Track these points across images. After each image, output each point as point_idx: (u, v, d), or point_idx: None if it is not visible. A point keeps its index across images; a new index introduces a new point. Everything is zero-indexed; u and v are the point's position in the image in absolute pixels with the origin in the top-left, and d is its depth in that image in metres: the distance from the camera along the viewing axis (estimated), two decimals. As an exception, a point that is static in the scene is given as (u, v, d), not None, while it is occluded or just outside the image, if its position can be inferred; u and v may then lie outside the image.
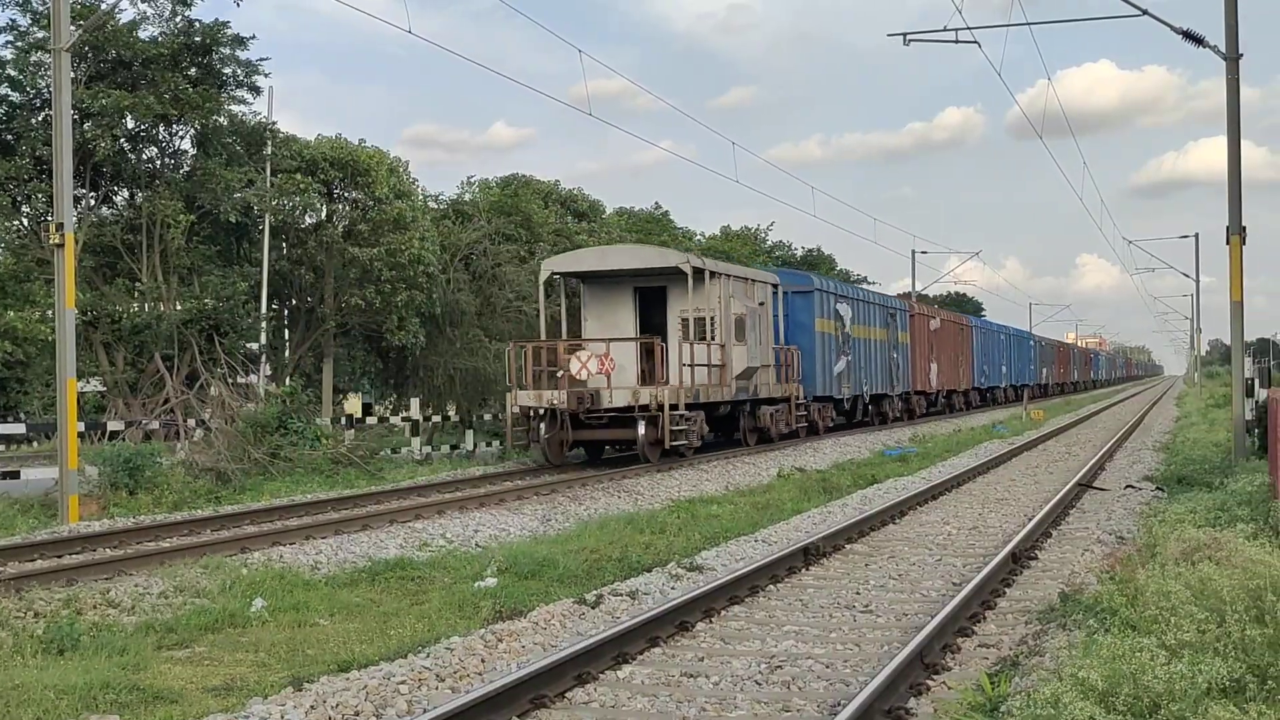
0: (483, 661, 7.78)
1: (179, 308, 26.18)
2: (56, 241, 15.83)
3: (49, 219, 18.10)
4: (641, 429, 20.66)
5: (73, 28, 17.23)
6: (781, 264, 57.73)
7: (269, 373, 28.59)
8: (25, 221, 26.03)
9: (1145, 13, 19.26)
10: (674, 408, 20.79)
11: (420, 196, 34.03)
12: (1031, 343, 68.56)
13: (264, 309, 28.05)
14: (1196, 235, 59.50)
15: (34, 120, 25.32)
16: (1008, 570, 10.66)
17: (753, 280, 25.28)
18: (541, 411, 20.82)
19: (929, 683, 7.16)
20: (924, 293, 60.44)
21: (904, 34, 21.84)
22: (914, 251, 58.80)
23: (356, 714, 6.69)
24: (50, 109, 19.79)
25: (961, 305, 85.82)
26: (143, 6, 27.38)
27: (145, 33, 26.33)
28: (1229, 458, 19.00)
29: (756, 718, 6.66)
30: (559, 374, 21.74)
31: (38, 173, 24.93)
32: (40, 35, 24.53)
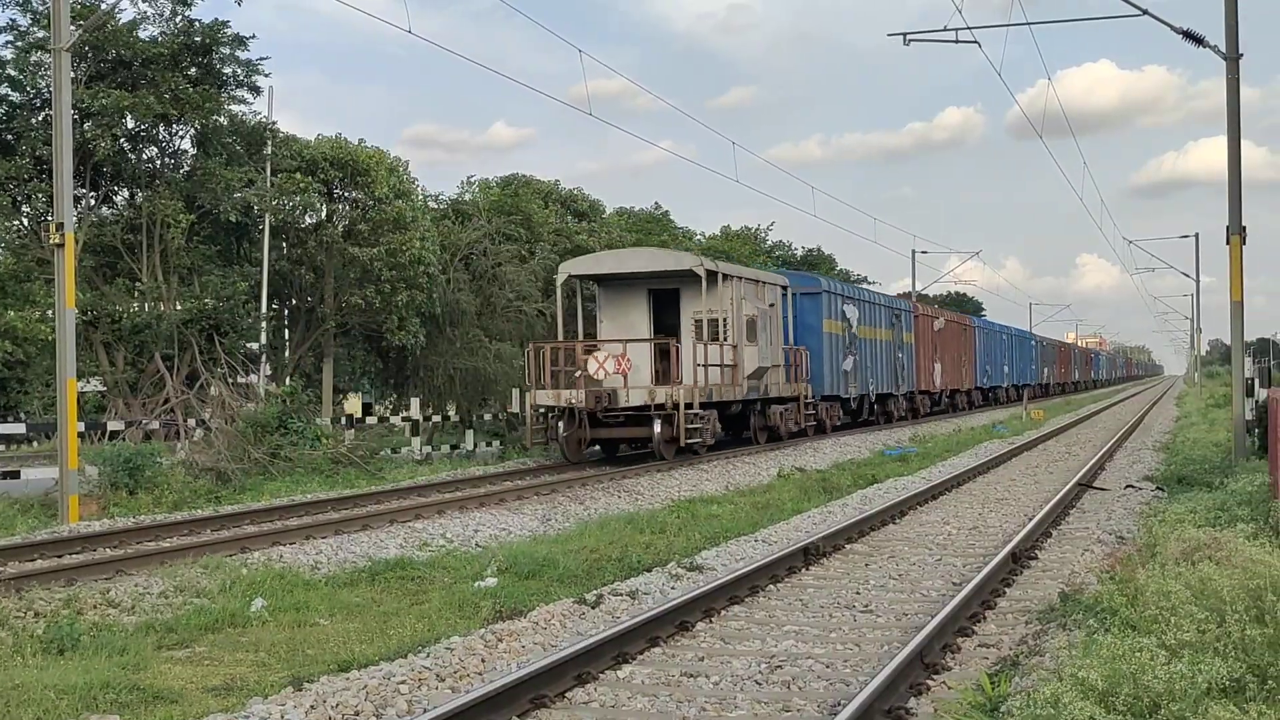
0: (483, 661, 7.78)
1: (179, 307, 26.18)
2: (56, 241, 15.83)
3: (49, 219, 18.12)
4: (657, 427, 21.15)
5: (73, 28, 17.23)
6: (781, 264, 57.80)
7: (269, 373, 28.58)
8: (25, 221, 26.03)
9: (1145, 13, 19.27)
10: (689, 406, 21.25)
11: (420, 196, 34.04)
12: (1033, 343, 68.77)
13: (264, 309, 28.05)
14: (1196, 235, 59.52)
15: (34, 120, 25.31)
16: (1008, 570, 10.66)
17: (763, 282, 25.89)
18: (560, 410, 21.28)
19: (929, 683, 7.16)
20: (924, 293, 60.48)
21: (904, 34, 21.85)
22: (914, 251, 58.76)
23: (356, 714, 6.69)
24: (50, 109, 19.79)
25: (961, 305, 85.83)
26: (143, 6, 27.36)
27: (145, 32, 26.35)
28: (1229, 458, 19.00)
29: (757, 718, 6.66)
30: (577, 374, 22.17)
31: (38, 172, 24.93)
32: (40, 35, 24.52)
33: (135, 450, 17.74)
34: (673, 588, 10.26)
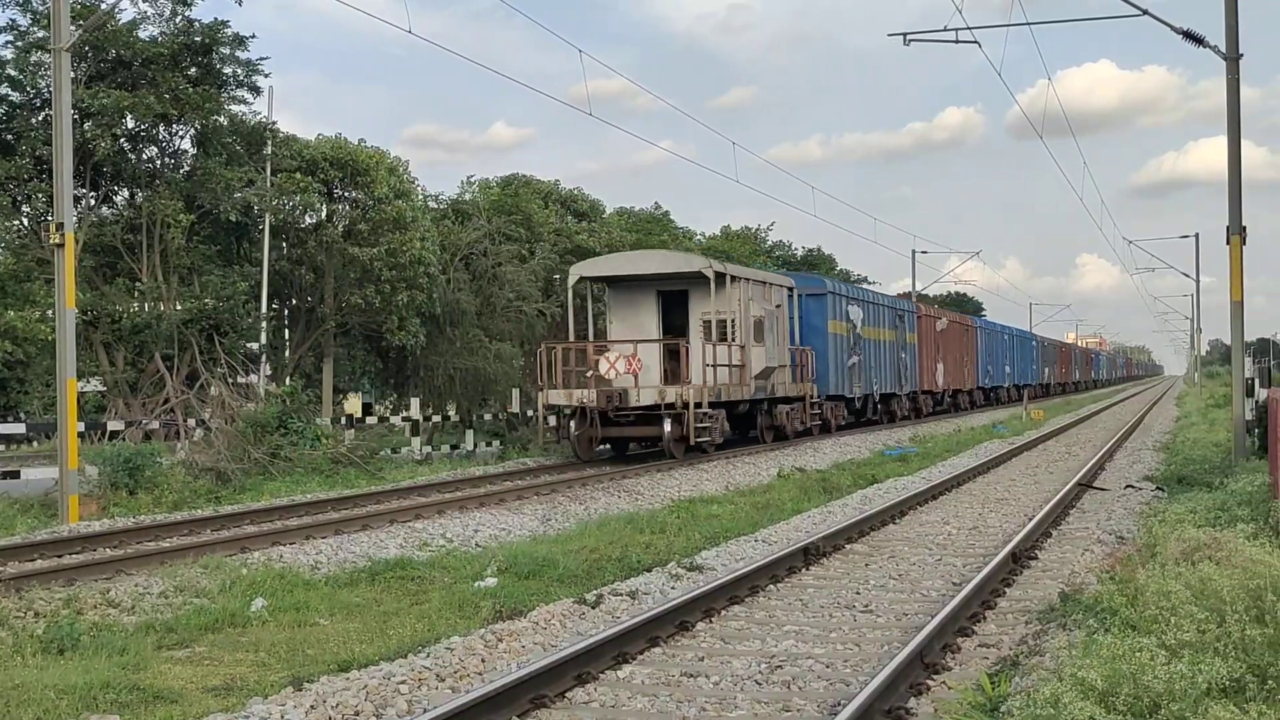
0: (483, 661, 7.78)
1: (179, 307, 26.16)
2: (56, 241, 15.83)
3: (49, 219, 18.11)
4: (667, 426, 21.49)
5: (73, 27, 17.22)
6: (781, 264, 57.84)
7: (269, 372, 28.58)
8: (25, 221, 26.01)
9: (1145, 13, 19.26)
10: (698, 406, 21.61)
11: (420, 196, 34.03)
12: (1034, 343, 68.98)
13: (264, 309, 28.04)
14: (1196, 235, 59.57)
15: (34, 120, 25.30)
16: (1008, 570, 10.66)
17: (770, 284, 26.32)
18: (572, 409, 21.70)
19: (929, 683, 7.16)
20: (924, 293, 60.51)
21: (904, 34, 21.86)
22: (914, 251, 58.82)
23: (356, 714, 6.69)
24: (50, 109, 19.79)
25: (962, 305, 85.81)
26: (143, 6, 27.37)
27: (145, 32, 26.33)
28: (1229, 458, 18.99)
29: (756, 718, 6.66)
30: (588, 374, 22.53)
31: (38, 172, 24.92)
32: (40, 35, 24.51)
33: (135, 450, 17.74)
34: (673, 588, 10.26)
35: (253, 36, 27.25)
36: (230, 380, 23.54)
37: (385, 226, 29.75)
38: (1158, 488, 17.52)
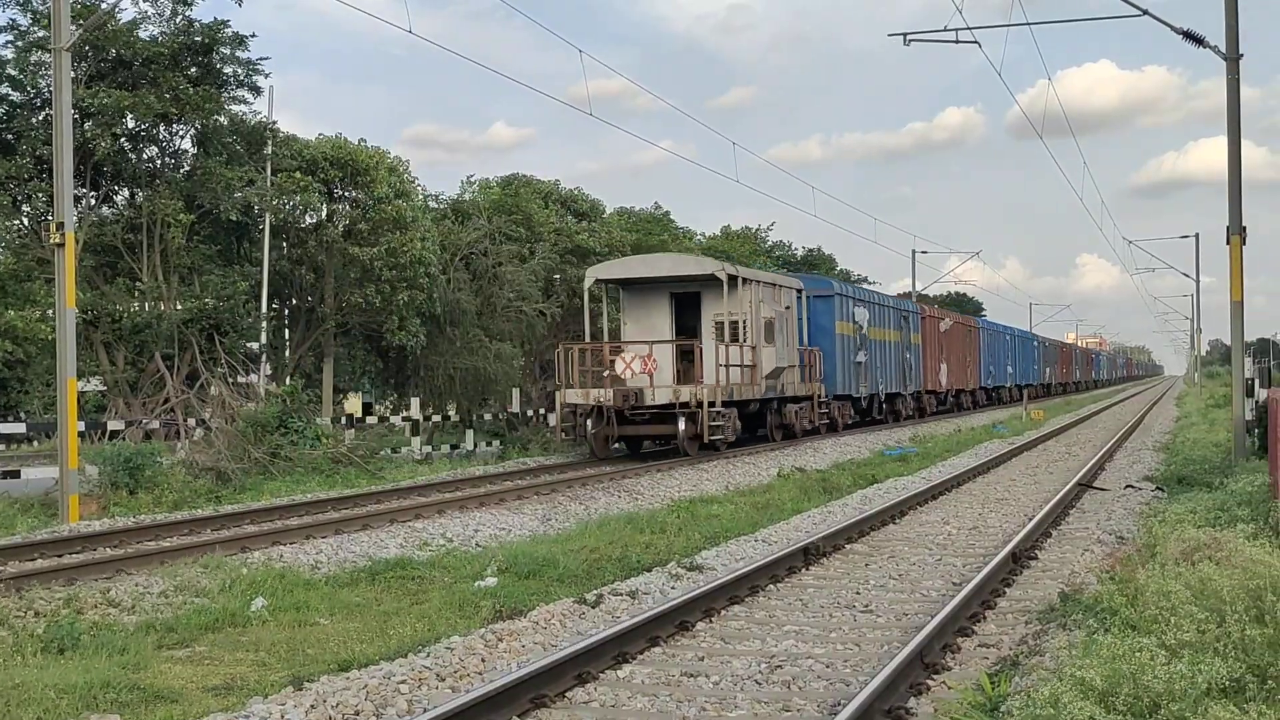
0: (483, 661, 7.78)
1: (179, 307, 26.16)
2: (57, 241, 15.83)
3: (49, 218, 18.11)
4: (681, 425, 22.08)
5: (73, 27, 17.22)
6: (782, 264, 57.84)
7: (269, 372, 28.57)
8: (26, 221, 26.00)
9: (1145, 13, 19.26)
10: (711, 405, 22.23)
11: (420, 196, 34.01)
12: (1035, 343, 69.26)
13: (264, 308, 28.04)
14: (1196, 235, 59.62)
15: (34, 120, 25.29)
16: (1008, 570, 10.66)
17: (779, 286, 26.98)
18: (589, 408, 22.23)
19: (929, 682, 7.17)
20: (924, 292, 60.56)
21: (904, 34, 21.88)
22: (914, 251, 58.86)
23: (356, 713, 6.69)
24: (50, 108, 19.78)
25: (962, 305, 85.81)
26: (143, 6, 27.36)
27: (145, 32, 26.30)
28: (1229, 458, 18.99)
29: (757, 717, 6.66)
30: (605, 374, 23.09)
31: (38, 172, 24.91)
32: (40, 35, 24.50)
33: (135, 450, 17.74)
34: (673, 588, 10.27)
35: (253, 36, 27.26)
36: (230, 380, 23.54)
37: (385, 226, 29.74)
38: (1158, 488, 17.51)
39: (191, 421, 21.41)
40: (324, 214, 30.90)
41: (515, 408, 29.75)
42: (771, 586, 10.34)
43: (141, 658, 8.31)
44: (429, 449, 25.93)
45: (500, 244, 33.20)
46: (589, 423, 22.37)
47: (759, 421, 26.59)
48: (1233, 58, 18.68)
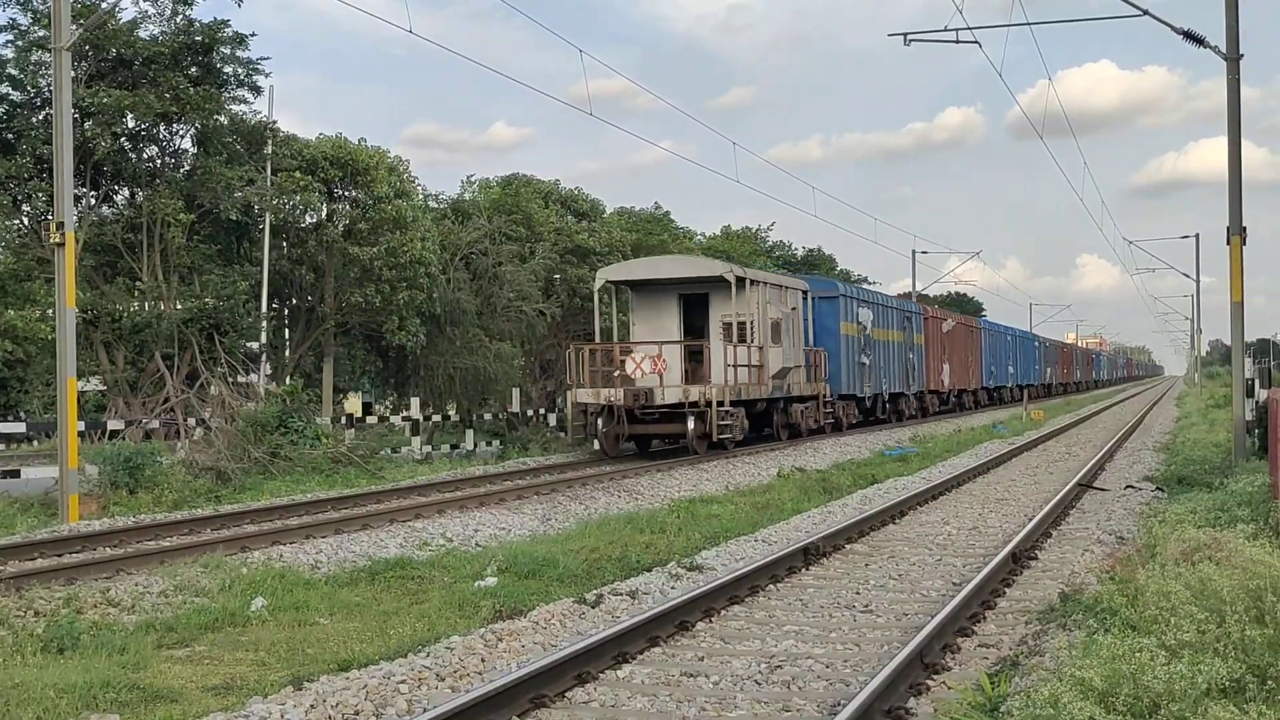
0: (483, 661, 7.78)
1: (179, 307, 26.16)
2: (57, 240, 15.83)
3: (49, 218, 18.09)
4: (691, 424, 22.43)
5: (73, 26, 17.22)
6: (782, 264, 57.86)
7: (269, 372, 28.57)
8: (26, 220, 26.00)
9: (1146, 13, 19.26)
10: (720, 404, 22.57)
11: (420, 196, 34.01)
12: (1036, 344, 69.55)
13: (264, 308, 28.03)
14: (1197, 235, 59.61)
15: (34, 119, 25.29)
16: (1008, 570, 10.66)
17: (786, 287, 27.41)
18: (600, 408, 22.57)
19: (929, 683, 7.16)
20: (924, 293, 60.58)
21: (904, 34, 21.89)
22: (914, 251, 58.84)
23: (356, 713, 6.69)
24: (50, 108, 19.78)
25: (962, 305, 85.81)
26: (143, 5, 27.39)
27: (146, 31, 26.30)
28: (1229, 458, 18.99)
29: (756, 718, 6.66)
30: (615, 374, 23.40)
31: (38, 171, 24.91)
32: (41, 34, 24.49)
33: (135, 449, 17.74)
34: (673, 588, 10.26)
35: (252, 35, 27.26)
36: (230, 379, 23.54)
37: (385, 226, 29.75)
38: (1158, 488, 17.51)
39: (191, 421, 21.41)
40: (324, 214, 30.90)
41: (515, 408, 29.76)
42: (771, 586, 10.34)
43: (141, 657, 8.31)
44: (429, 449, 25.93)
45: (500, 244, 33.20)
46: (600, 422, 22.69)
47: (766, 421, 26.92)
48: (1233, 58, 18.68)
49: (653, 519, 15.16)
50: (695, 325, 24.95)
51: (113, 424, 21.54)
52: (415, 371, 32.13)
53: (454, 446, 26.97)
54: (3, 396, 30.30)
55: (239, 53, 27.20)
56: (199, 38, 26.60)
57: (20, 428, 24.38)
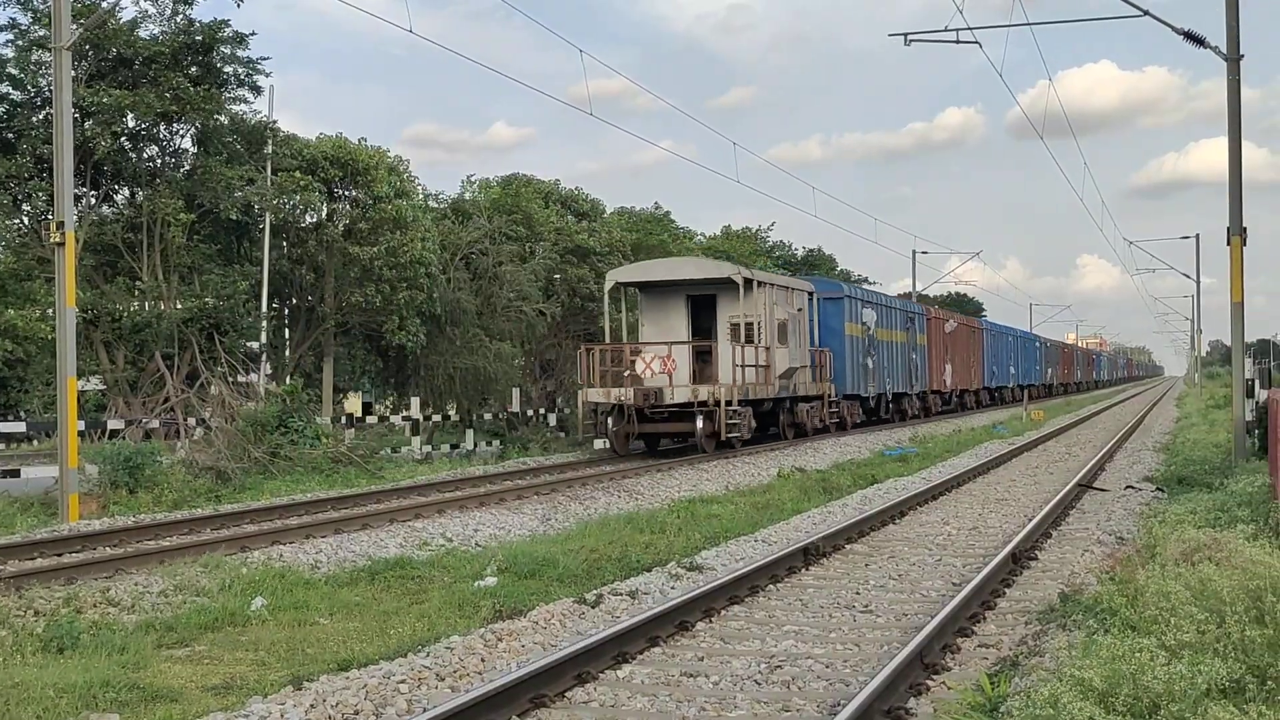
0: (482, 661, 7.78)
1: (179, 306, 26.15)
2: (57, 240, 15.83)
3: (49, 217, 18.09)
4: (699, 423, 22.87)
5: (73, 26, 17.21)
6: (782, 264, 57.88)
7: (269, 371, 28.57)
8: (26, 220, 25.99)
9: (1146, 13, 19.26)
10: (728, 404, 23.01)
11: (420, 196, 33.99)
12: (1037, 344, 69.79)
13: (264, 308, 28.03)
14: (1197, 236, 59.56)
15: (34, 119, 25.28)
16: (1008, 570, 10.66)
17: (792, 288, 27.87)
18: (610, 407, 22.91)
19: (929, 683, 7.16)
20: (924, 293, 60.60)
21: (905, 34, 21.92)
22: (914, 251, 58.85)
23: (356, 713, 6.69)
24: (51, 107, 19.76)
25: (962, 306, 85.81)
26: (143, 5, 27.37)
27: (146, 31, 26.29)
28: (1229, 458, 18.99)
29: (756, 717, 6.66)
30: (625, 374, 23.73)
31: (38, 171, 24.90)
32: (41, 33, 24.48)
33: (135, 449, 17.73)
34: (673, 588, 10.26)
35: (252, 35, 27.24)
36: (230, 379, 23.53)
37: (385, 226, 29.74)
38: (1158, 488, 17.51)
39: (191, 421, 21.41)
40: (324, 213, 30.88)
41: (515, 407, 29.76)
42: (771, 586, 10.34)
43: (141, 657, 8.31)
44: (429, 449, 25.94)
45: (500, 244, 33.20)
46: (609, 421, 23.02)
47: (772, 420, 27.23)
48: (1233, 58, 18.68)
49: (653, 519, 15.16)
50: (703, 326, 25.26)
51: (113, 423, 21.54)
52: (415, 371, 32.12)
53: (454, 446, 26.97)
54: (3, 396, 30.33)
55: (239, 52, 27.20)
56: (199, 37, 26.59)
57: (20, 427, 24.39)
